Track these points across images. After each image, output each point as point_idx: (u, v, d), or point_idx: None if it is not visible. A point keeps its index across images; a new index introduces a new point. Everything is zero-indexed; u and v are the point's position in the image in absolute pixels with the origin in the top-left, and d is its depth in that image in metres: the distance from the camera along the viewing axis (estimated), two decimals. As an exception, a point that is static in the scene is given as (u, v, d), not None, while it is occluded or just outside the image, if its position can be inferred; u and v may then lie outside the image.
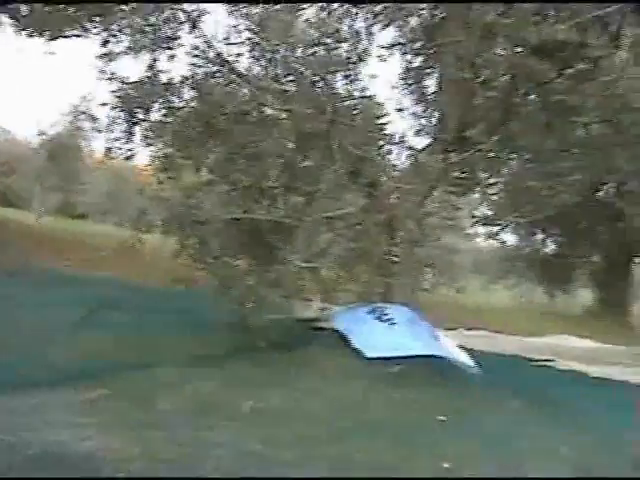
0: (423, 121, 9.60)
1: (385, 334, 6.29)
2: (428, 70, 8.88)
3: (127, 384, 5.50)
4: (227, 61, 7.29)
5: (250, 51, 7.31)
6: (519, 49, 5.55)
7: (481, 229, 13.94)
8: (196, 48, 7.30)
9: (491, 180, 8.07)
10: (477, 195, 9.92)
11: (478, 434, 4.98)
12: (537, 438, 5.11)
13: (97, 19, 8.14)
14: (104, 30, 7.66)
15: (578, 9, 5.25)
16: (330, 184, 5.90)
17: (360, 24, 7.64)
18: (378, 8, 7.42)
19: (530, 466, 4.46)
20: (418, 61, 9.34)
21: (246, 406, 5.03)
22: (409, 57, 9.04)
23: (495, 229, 13.80)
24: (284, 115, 6.98)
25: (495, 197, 10.78)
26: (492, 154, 6.78)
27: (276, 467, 3.89)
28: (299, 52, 6.85)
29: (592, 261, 16.10)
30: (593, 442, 5.19)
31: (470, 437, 4.88)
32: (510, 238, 14.73)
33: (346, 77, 6.49)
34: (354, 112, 6.32)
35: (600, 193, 12.91)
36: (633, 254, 17.04)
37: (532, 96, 5.80)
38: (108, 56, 7.50)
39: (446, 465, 4.26)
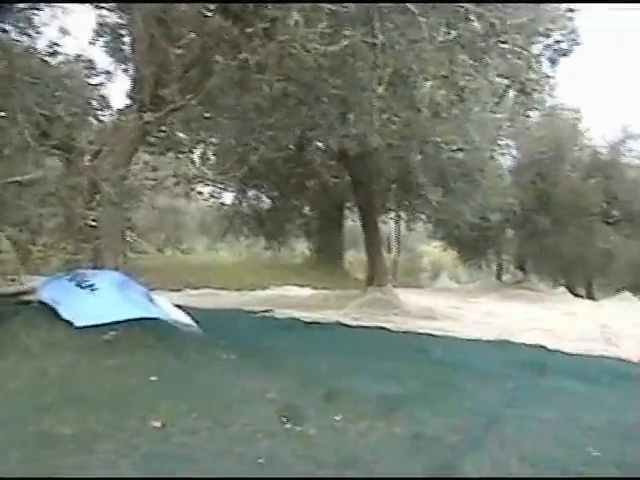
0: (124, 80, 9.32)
1: (91, 301, 6.06)
2: (123, 27, 8.62)
3: None
4: None
5: None
6: (208, 8, 5.60)
7: (205, 189, 14.07)
8: None
9: (196, 139, 8.13)
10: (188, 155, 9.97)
11: (191, 389, 5.09)
12: (247, 385, 5.39)
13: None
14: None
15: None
16: (13, 147, 5.43)
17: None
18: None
19: (238, 411, 4.69)
20: (114, 17, 9.01)
21: None
22: (104, 12, 8.66)
23: (213, 189, 14.09)
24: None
25: (200, 156, 10.91)
26: (193, 114, 6.83)
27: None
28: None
29: (305, 214, 17.23)
30: (296, 382, 5.64)
31: (183, 393, 4.96)
32: (229, 196, 15.13)
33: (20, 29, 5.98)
34: (36, 68, 5.86)
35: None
36: (343, 206, 18.61)
37: (225, 55, 5.89)
38: None
39: (156, 424, 4.30)
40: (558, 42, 17.22)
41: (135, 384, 5.11)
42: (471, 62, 5.61)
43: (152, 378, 5.26)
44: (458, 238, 21.23)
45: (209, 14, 5.39)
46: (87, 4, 7.56)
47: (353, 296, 14.49)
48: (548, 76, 14.52)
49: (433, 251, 29.75)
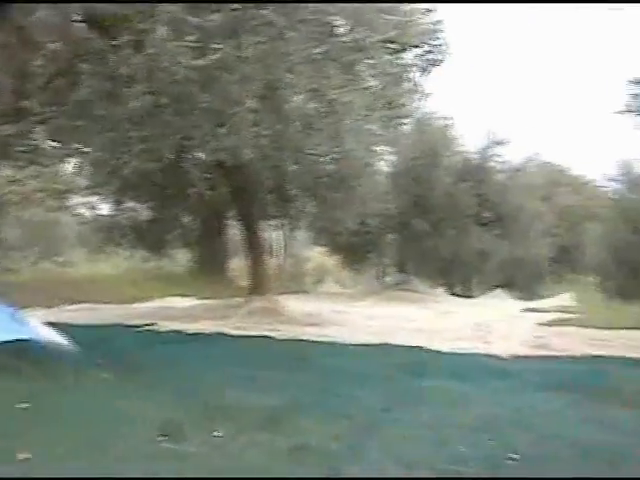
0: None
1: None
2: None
3: None
4: None
5: None
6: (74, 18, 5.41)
7: (80, 200, 13.52)
8: None
9: (66, 151, 7.79)
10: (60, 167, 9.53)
11: (65, 415, 4.87)
12: (125, 406, 5.22)
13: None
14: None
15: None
16: None
17: None
18: None
19: (115, 433, 4.52)
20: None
21: None
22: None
23: (88, 200, 13.59)
24: None
25: (74, 168, 10.48)
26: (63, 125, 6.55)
27: None
28: None
29: (185, 224, 16.98)
30: (175, 398, 5.54)
31: (56, 419, 4.74)
32: (106, 207, 14.65)
33: None
34: None
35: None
36: (223, 215, 18.49)
37: (93, 66, 5.70)
38: None
39: (24, 456, 4.07)
40: (429, 52, 18.01)
41: (0, 413, 4.82)
42: (342, 76, 5.75)
43: (22, 405, 4.99)
44: (340, 244, 21.66)
45: (75, 23, 5.20)
46: None
47: (237, 305, 14.38)
48: (418, 86, 15.12)
49: (317, 257, 30.16)
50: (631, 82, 11.71)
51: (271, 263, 22.61)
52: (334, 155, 7.57)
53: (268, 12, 5.09)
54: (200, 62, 4.74)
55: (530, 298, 30.84)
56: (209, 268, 22.67)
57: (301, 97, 5.40)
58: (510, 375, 7.43)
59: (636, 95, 11.70)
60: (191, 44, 4.64)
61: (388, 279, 27.88)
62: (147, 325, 11.81)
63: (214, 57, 4.78)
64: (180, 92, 5.44)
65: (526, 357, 9.19)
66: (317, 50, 5.19)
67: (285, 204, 9.83)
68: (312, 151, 6.75)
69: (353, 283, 31.49)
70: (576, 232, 48.35)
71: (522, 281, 31.37)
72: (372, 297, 23.48)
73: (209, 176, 12.55)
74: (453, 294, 27.64)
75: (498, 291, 29.37)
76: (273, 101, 5.71)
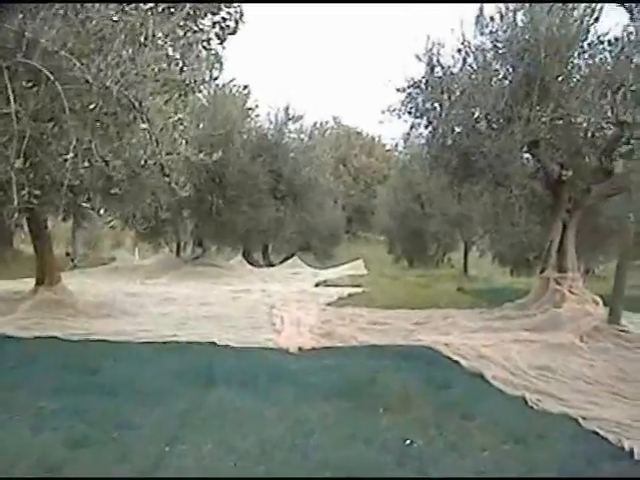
0: None
1: None
2: None
3: None
4: None
5: None
6: None
7: None
8: None
9: None
10: None
11: None
12: None
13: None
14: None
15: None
16: None
17: None
18: None
19: None
20: None
21: None
22: None
23: None
24: None
25: None
26: None
27: None
28: None
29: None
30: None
31: None
32: None
33: None
34: None
35: None
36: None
37: None
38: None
39: None
40: (224, 19, 17.75)
41: None
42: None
43: None
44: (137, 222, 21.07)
45: None
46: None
47: (22, 298, 13.50)
48: (214, 54, 14.82)
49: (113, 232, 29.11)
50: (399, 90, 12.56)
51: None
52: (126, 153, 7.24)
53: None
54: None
55: (325, 262, 32.54)
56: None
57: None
58: (295, 377, 7.67)
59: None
60: None
61: (186, 254, 27.78)
62: None
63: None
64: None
65: (313, 349, 9.65)
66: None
67: (76, 198, 9.26)
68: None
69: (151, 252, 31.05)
70: (369, 193, 51.60)
71: (318, 247, 32.95)
72: (169, 272, 23.31)
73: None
74: (251, 263, 28.30)
75: (295, 259, 30.63)
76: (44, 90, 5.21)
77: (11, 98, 4.74)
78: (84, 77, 5.13)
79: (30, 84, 5.09)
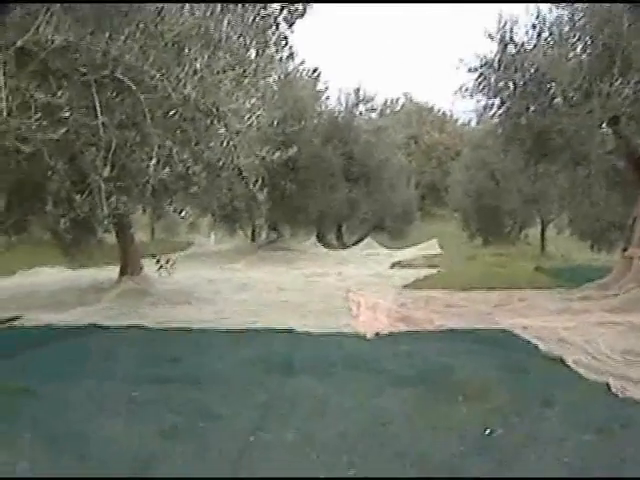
0: None
1: None
2: None
3: None
4: None
5: None
6: None
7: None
8: None
9: None
10: None
11: None
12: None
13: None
14: None
15: None
16: None
17: None
18: None
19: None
20: None
21: None
22: None
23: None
24: None
25: None
26: None
27: None
28: None
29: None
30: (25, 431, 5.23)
31: None
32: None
33: None
34: None
35: None
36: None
37: None
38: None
39: None
40: (292, 3, 17.75)
41: None
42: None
43: None
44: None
45: None
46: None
47: (108, 287, 14.15)
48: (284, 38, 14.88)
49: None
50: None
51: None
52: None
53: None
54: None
55: (400, 241, 32.33)
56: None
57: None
58: (373, 364, 7.70)
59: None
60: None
61: (261, 238, 28.20)
62: (12, 320, 11.26)
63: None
64: None
65: (389, 334, 9.70)
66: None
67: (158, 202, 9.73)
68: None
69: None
70: (442, 170, 50.80)
71: (391, 226, 32.78)
72: (246, 257, 23.75)
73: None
74: (325, 245, 28.48)
75: (368, 240, 30.62)
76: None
77: (98, 110, 5.03)
78: (164, 87, 5.34)
79: (115, 95, 5.36)
